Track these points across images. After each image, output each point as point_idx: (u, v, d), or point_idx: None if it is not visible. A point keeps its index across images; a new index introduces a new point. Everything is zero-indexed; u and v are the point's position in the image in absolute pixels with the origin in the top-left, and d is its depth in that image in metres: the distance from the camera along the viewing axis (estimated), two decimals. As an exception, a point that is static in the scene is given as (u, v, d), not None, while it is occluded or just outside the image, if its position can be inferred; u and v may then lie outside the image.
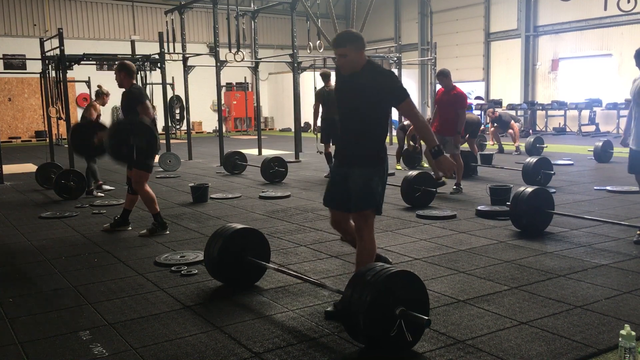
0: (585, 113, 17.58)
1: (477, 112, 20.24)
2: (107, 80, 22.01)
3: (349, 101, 3.53)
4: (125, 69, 5.59)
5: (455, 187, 7.67)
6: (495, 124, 12.90)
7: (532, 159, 7.89)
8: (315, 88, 13.01)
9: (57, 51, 10.42)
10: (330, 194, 3.61)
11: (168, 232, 5.67)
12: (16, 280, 4.31)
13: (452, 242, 5.11)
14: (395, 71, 14.44)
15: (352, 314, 2.84)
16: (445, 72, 7.58)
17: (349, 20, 6.85)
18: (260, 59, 13.72)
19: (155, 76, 12.43)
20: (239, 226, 4.09)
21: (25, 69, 18.42)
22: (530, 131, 17.72)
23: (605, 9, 12.61)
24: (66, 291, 4.03)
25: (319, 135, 9.49)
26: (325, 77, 9.97)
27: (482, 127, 12.95)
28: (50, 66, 11.32)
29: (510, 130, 12.68)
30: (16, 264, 4.77)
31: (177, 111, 20.40)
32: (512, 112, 15.88)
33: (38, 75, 12.39)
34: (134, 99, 5.47)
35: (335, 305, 3.45)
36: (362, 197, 3.41)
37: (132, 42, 12.97)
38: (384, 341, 2.82)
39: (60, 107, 11.00)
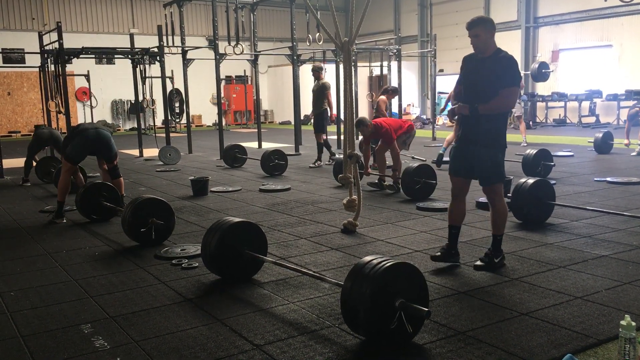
0: (586, 104, 17.56)
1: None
2: (106, 73, 22.03)
3: (476, 83, 4.05)
4: None
5: (393, 184, 7.29)
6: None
7: (532, 151, 7.89)
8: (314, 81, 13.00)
9: (56, 45, 10.38)
10: (456, 166, 4.19)
11: (64, 221, 6.09)
12: (17, 274, 4.32)
13: (452, 234, 5.10)
14: (395, 63, 14.41)
15: (352, 307, 2.85)
16: (364, 121, 7.41)
17: (348, 12, 6.82)
18: (260, 51, 13.67)
19: (154, 70, 12.39)
20: (235, 220, 4.09)
21: (24, 63, 18.35)
22: (531, 123, 17.69)
23: (606, -1, 12.58)
24: (67, 284, 4.04)
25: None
26: (316, 71, 10.08)
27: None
28: (49, 60, 11.28)
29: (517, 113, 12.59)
30: (17, 257, 4.78)
31: (177, 104, 20.38)
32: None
33: (37, 69, 12.36)
34: None
35: (481, 260, 4.12)
36: (491, 174, 4.04)
37: (131, 36, 12.92)
38: (384, 333, 2.83)
39: (59, 101, 10.97)
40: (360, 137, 7.81)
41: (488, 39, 3.99)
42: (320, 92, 10.07)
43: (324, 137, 10.24)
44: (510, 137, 12.75)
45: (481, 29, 3.96)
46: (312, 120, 11.10)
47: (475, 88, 4.04)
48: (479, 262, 4.13)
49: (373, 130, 7.40)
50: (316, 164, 10.06)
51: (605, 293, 3.54)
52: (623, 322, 2.56)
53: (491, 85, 3.94)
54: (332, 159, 9.97)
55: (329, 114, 10.18)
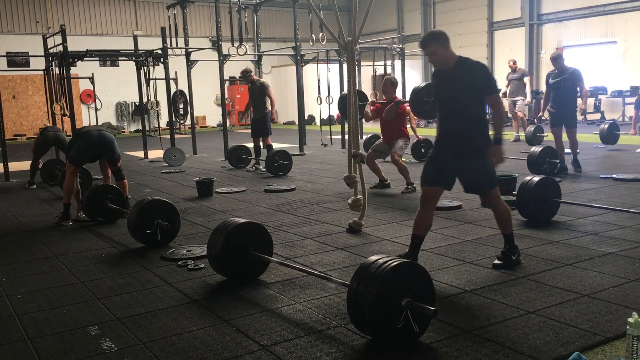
0: (590, 101, 17.47)
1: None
2: (110, 76, 22.05)
3: (449, 97, 4.00)
4: None
5: (406, 186, 7.17)
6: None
7: (537, 148, 7.86)
8: (318, 82, 13.01)
9: (60, 48, 10.42)
10: (431, 175, 4.06)
11: (70, 223, 6.10)
12: (24, 277, 4.34)
13: (457, 232, 5.10)
14: (398, 62, 14.39)
15: (359, 306, 2.85)
16: (392, 79, 7.38)
17: (351, 11, 6.82)
18: (263, 52, 13.69)
19: (158, 71, 12.41)
20: (241, 220, 4.09)
21: (29, 66, 18.44)
22: (535, 120, 17.62)
23: (609, -5, 12.55)
24: (74, 287, 4.06)
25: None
26: (248, 74, 9.88)
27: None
28: (53, 63, 11.31)
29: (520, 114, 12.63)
30: (24, 260, 4.80)
31: (181, 106, 20.43)
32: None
33: (42, 72, 12.40)
34: None
35: (499, 258, 4.13)
36: (486, 184, 4.03)
37: (135, 38, 12.95)
38: (391, 332, 2.83)
39: (64, 104, 11.01)
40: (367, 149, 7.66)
41: (445, 52, 3.90)
42: (262, 93, 9.71)
43: (269, 142, 9.93)
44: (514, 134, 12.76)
45: (435, 45, 3.88)
46: (249, 123, 10.64)
47: (452, 102, 4.00)
48: (497, 261, 4.11)
49: (390, 100, 7.24)
50: (254, 167, 9.92)
51: (612, 290, 3.52)
52: (630, 320, 2.55)
53: (466, 95, 3.91)
54: (255, 167, 9.90)
55: (270, 116, 9.91)
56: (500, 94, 5.07)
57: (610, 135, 10.52)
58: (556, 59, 8.00)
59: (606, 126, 10.63)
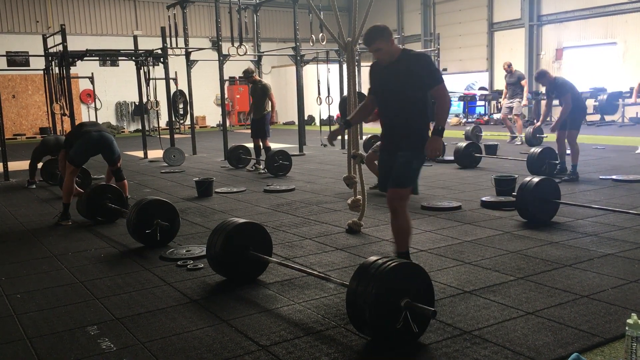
0: (590, 102, 17.48)
1: (481, 103, 20.20)
2: (110, 75, 22.04)
3: (389, 88, 3.82)
4: None
5: None
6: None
7: (537, 149, 7.87)
8: (318, 82, 13.02)
9: (60, 47, 10.42)
10: (384, 180, 3.92)
11: (70, 223, 6.10)
12: (24, 276, 4.34)
13: (457, 233, 5.10)
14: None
15: (358, 307, 2.85)
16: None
17: (351, 12, 6.82)
18: (263, 52, 13.68)
19: (158, 71, 12.41)
20: (240, 220, 4.09)
21: (29, 66, 18.45)
22: (535, 121, 17.64)
23: (609, -4, 12.55)
24: (73, 286, 4.05)
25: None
26: (250, 74, 9.79)
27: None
28: (53, 62, 11.32)
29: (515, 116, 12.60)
30: (23, 260, 4.80)
31: (181, 106, 20.43)
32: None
33: (41, 72, 12.41)
34: None
35: None
36: (400, 176, 3.73)
37: (135, 38, 12.95)
38: (390, 333, 2.83)
39: (64, 104, 11.01)
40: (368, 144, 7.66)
41: (390, 47, 3.73)
42: (264, 94, 9.68)
43: (268, 143, 9.83)
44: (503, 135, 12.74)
45: (380, 41, 3.69)
46: (248, 123, 10.60)
47: (393, 94, 3.80)
48: None
49: None
50: (254, 167, 9.92)
51: (611, 291, 3.52)
52: (630, 321, 2.55)
53: (409, 87, 3.72)
54: (255, 167, 9.89)
55: (269, 117, 9.84)
56: (502, 99, 4.95)
57: (609, 106, 10.45)
58: (539, 78, 7.84)
59: (605, 96, 10.56)
